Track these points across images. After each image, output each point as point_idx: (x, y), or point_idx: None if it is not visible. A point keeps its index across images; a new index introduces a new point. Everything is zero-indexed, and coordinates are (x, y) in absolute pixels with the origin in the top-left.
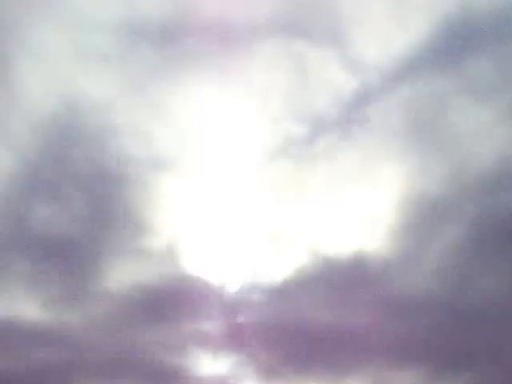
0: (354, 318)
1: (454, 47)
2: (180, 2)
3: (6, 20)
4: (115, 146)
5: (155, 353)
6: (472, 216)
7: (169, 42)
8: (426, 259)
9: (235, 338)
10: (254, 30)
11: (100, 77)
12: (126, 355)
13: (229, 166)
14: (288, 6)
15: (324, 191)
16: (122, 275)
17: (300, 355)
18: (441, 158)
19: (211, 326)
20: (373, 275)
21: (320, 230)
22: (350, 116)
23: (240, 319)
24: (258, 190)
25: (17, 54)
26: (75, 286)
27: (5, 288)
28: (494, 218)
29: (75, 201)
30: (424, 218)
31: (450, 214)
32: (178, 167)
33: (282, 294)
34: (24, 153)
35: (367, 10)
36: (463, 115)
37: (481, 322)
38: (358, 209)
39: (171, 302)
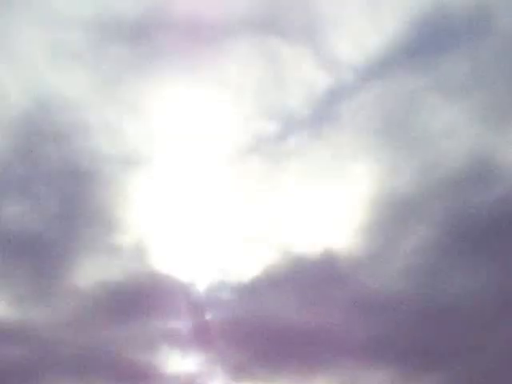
0: (324, 317)
1: (427, 46)
2: (152, 0)
3: None
4: (86, 144)
5: (123, 350)
6: (442, 215)
7: (141, 40)
8: (395, 257)
9: (204, 336)
10: (227, 27)
11: (72, 74)
12: (94, 353)
13: (200, 163)
14: (262, 3)
15: (294, 189)
16: (90, 272)
17: (269, 354)
18: (411, 157)
19: (180, 323)
20: (343, 273)
21: (290, 228)
22: (322, 114)
23: (209, 317)
24: (229, 187)
25: None
26: (43, 283)
27: None
28: (464, 216)
29: (45, 198)
30: (394, 216)
31: (420, 212)
32: (148, 165)
33: (252, 292)
34: None
35: (341, 9)
36: (435, 114)
37: (450, 322)
38: (328, 207)
39: (140, 299)
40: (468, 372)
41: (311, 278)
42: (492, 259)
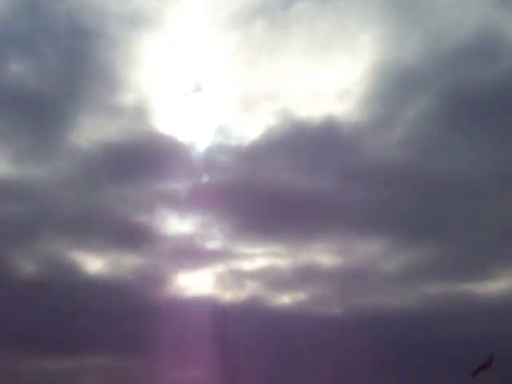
0: (322, 184)
1: None
2: None
3: None
4: (92, 1)
5: (122, 211)
6: (445, 86)
7: None
8: (396, 127)
9: (202, 199)
10: None
11: None
12: (92, 212)
13: (205, 24)
14: None
15: (299, 55)
16: (91, 132)
17: (266, 218)
18: (418, 28)
19: (179, 185)
20: (343, 140)
21: (292, 94)
22: None
23: (207, 180)
24: (233, 50)
25: None
26: (44, 142)
27: None
28: (467, 89)
29: (47, 56)
30: (397, 86)
31: (424, 83)
32: (154, 24)
33: (251, 155)
34: None
35: None
36: None
37: (448, 193)
38: (331, 74)
39: (139, 160)
40: (463, 243)
41: (311, 143)
42: (493, 133)
